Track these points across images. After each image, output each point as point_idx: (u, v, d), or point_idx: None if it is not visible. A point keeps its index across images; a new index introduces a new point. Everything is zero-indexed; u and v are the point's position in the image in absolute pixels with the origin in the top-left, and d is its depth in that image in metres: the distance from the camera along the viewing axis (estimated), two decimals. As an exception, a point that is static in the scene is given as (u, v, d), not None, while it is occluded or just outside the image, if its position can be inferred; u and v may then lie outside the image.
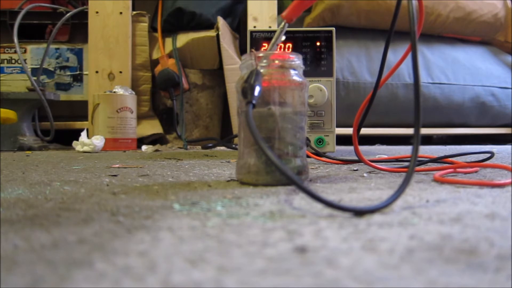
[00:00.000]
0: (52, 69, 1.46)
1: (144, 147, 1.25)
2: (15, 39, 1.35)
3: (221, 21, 1.43)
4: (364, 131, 1.49)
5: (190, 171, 0.62)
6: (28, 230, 0.27)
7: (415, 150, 0.37)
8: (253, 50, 0.47)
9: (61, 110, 1.44)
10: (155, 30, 1.50)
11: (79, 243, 0.24)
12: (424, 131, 1.65)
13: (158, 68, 1.43)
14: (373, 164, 0.60)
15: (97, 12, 1.42)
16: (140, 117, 1.42)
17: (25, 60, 1.41)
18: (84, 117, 1.40)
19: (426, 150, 1.13)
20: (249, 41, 0.88)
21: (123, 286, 0.18)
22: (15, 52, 1.39)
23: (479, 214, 0.31)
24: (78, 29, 1.45)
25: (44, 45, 1.43)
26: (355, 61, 1.57)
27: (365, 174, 0.57)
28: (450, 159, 0.67)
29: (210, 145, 1.31)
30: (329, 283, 0.18)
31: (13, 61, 1.44)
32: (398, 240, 0.25)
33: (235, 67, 1.39)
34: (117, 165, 0.72)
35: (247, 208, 0.34)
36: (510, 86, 1.75)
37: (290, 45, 0.88)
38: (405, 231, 0.27)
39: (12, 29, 1.36)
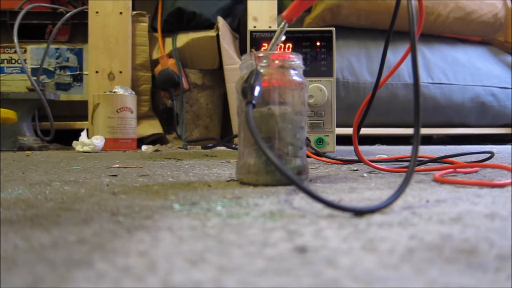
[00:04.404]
0: (52, 69, 1.46)
1: (144, 147, 1.25)
2: (15, 39, 1.35)
3: (221, 21, 1.43)
4: (364, 131, 1.49)
5: (190, 171, 0.62)
6: (28, 230, 0.27)
7: (415, 150, 0.37)
8: (253, 50, 0.47)
9: (61, 110, 1.44)
10: (155, 30, 1.50)
11: (79, 243, 0.24)
12: (424, 131, 1.65)
13: (158, 68, 1.44)
14: (373, 164, 0.60)
15: (97, 12, 1.42)
16: (140, 117, 1.42)
17: (25, 60, 1.41)
18: (84, 117, 1.40)
19: (426, 150, 1.13)
20: (249, 41, 0.88)
21: (123, 286, 0.18)
22: (15, 52, 1.39)
23: (479, 214, 0.31)
24: (78, 29, 1.46)
25: (44, 45, 1.43)
26: (355, 61, 1.57)
27: (365, 174, 0.57)
28: (450, 159, 0.67)
29: (210, 145, 1.31)
30: (329, 283, 0.18)
31: (13, 61, 1.44)
32: (398, 240, 0.25)
33: (235, 67, 1.39)
34: (117, 165, 0.72)
35: (247, 208, 0.34)
36: (510, 86, 1.75)
37: (290, 45, 0.88)
38: (405, 231, 0.27)
39: (12, 29, 1.36)
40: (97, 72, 1.42)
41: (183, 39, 1.46)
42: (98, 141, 1.15)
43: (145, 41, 1.46)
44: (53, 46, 1.45)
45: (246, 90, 0.43)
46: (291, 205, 0.35)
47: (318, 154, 0.78)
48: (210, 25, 1.46)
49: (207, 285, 0.18)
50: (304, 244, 0.24)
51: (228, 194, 0.41)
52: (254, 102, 0.42)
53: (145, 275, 0.19)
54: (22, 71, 1.40)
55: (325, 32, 0.88)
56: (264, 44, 0.88)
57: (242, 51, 1.51)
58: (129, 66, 1.44)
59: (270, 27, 1.42)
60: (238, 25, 1.63)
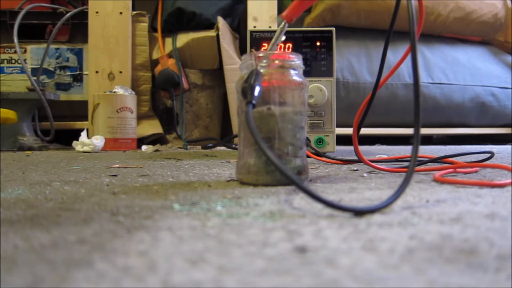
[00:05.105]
0: (52, 69, 1.46)
1: (144, 147, 1.25)
2: (15, 39, 1.35)
3: (221, 21, 1.43)
4: (364, 131, 1.49)
5: (190, 171, 0.62)
6: (28, 230, 0.27)
7: (415, 150, 0.37)
8: (253, 50, 0.47)
9: (61, 110, 1.44)
10: (155, 30, 1.50)
11: (79, 243, 0.24)
12: (424, 131, 1.65)
13: (158, 68, 1.44)
14: (373, 164, 0.60)
15: (97, 12, 1.42)
16: (140, 117, 1.42)
17: (25, 60, 1.41)
18: (84, 117, 1.40)
19: (426, 150, 1.13)
20: (249, 41, 0.88)
21: (123, 286, 0.18)
22: (15, 52, 1.39)
23: (479, 214, 0.31)
24: (78, 29, 1.46)
25: (44, 45, 1.43)
26: (355, 61, 1.57)
27: (365, 174, 0.57)
28: (450, 159, 0.67)
29: (210, 145, 1.31)
30: (329, 283, 0.18)
31: (13, 61, 1.44)
32: (398, 240, 0.25)
33: (235, 67, 1.39)
34: (117, 165, 0.72)
35: (247, 208, 0.34)
36: (510, 86, 1.75)
37: (290, 45, 0.88)
38: (405, 231, 0.27)
39: (12, 29, 1.36)
40: (97, 72, 1.42)
41: (183, 39, 1.46)
42: (98, 141, 1.15)
43: (145, 41, 1.46)
44: (53, 46, 1.45)
45: (246, 90, 0.43)
46: (291, 205, 0.35)
47: (318, 154, 0.78)
48: (210, 25, 1.46)
49: (207, 285, 0.18)
50: (304, 244, 0.24)
51: (228, 194, 0.41)
52: (254, 102, 0.42)
53: (145, 275, 0.19)
54: (22, 71, 1.40)
55: (325, 32, 0.88)
56: (264, 44, 0.88)
57: (242, 51, 1.51)
58: (129, 66, 1.43)
59: (270, 27, 1.42)
60: (238, 25, 1.63)
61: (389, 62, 1.41)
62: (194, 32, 1.46)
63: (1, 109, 1.17)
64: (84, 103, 1.42)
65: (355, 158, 0.63)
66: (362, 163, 0.65)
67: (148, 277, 0.19)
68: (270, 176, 0.45)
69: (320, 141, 0.86)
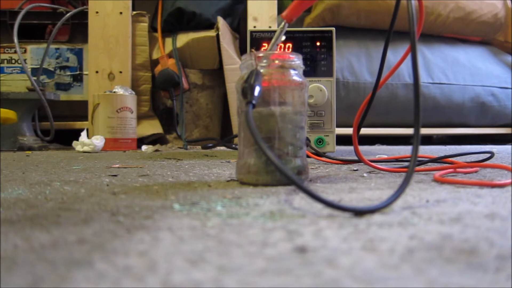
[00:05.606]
0: (52, 69, 1.46)
1: (144, 147, 1.25)
2: (15, 39, 1.35)
3: (221, 21, 1.43)
4: (364, 131, 1.49)
5: (190, 171, 0.62)
6: (28, 230, 0.27)
7: (415, 150, 0.37)
8: (253, 50, 0.47)
9: (61, 110, 1.44)
10: (155, 30, 1.50)
11: (79, 243, 0.24)
12: (424, 131, 1.65)
13: (158, 68, 1.44)
14: (373, 164, 0.60)
15: (97, 12, 1.42)
16: (140, 117, 1.42)
17: (25, 60, 1.41)
18: (84, 117, 1.40)
19: (426, 150, 1.13)
20: (249, 41, 0.88)
21: (123, 286, 0.18)
22: (15, 52, 1.39)
23: (479, 214, 0.31)
24: (78, 29, 1.46)
25: (44, 45, 1.43)
26: (355, 61, 1.57)
27: (365, 174, 0.57)
28: (450, 159, 0.67)
29: (210, 145, 1.31)
30: (329, 283, 0.18)
31: (13, 61, 1.44)
32: (398, 240, 0.25)
33: (235, 67, 1.39)
34: (117, 165, 0.72)
35: (247, 208, 0.34)
36: (510, 86, 1.75)
37: (290, 45, 0.88)
38: (405, 231, 0.27)
39: (12, 29, 1.36)
40: (97, 72, 1.42)
41: (183, 39, 1.46)
42: (98, 141, 1.15)
43: (145, 41, 1.46)
44: (53, 46, 1.45)
45: (246, 90, 0.43)
46: (291, 205, 0.35)
47: (318, 154, 0.78)
48: (210, 25, 1.46)
49: (207, 285, 0.18)
50: (304, 244, 0.24)
51: (228, 194, 0.41)
52: (254, 102, 0.42)
53: (145, 275, 0.19)
54: (22, 71, 1.40)
55: (325, 32, 0.88)
56: (264, 44, 0.88)
57: (242, 51, 1.51)
58: (129, 66, 1.44)
59: (270, 27, 1.42)
60: (238, 25, 1.63)
61: (389, 62, 1.41)
62: (194, 32, 1.46)
63: (1, 109, 1.17)
64: (84, 103, 1.42)
65: (355, 158, 0.63)
66: (362, 163, 0.65)
67: (148, 277, 0.19)
68: (270, 176, 0.45)
69: (320, 141, 0.86)
